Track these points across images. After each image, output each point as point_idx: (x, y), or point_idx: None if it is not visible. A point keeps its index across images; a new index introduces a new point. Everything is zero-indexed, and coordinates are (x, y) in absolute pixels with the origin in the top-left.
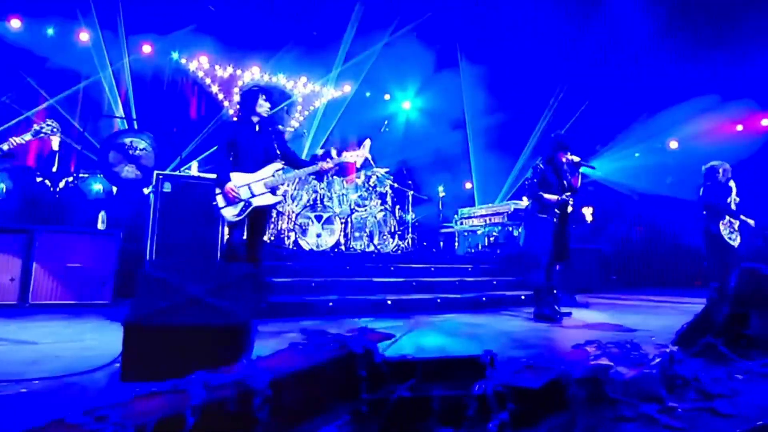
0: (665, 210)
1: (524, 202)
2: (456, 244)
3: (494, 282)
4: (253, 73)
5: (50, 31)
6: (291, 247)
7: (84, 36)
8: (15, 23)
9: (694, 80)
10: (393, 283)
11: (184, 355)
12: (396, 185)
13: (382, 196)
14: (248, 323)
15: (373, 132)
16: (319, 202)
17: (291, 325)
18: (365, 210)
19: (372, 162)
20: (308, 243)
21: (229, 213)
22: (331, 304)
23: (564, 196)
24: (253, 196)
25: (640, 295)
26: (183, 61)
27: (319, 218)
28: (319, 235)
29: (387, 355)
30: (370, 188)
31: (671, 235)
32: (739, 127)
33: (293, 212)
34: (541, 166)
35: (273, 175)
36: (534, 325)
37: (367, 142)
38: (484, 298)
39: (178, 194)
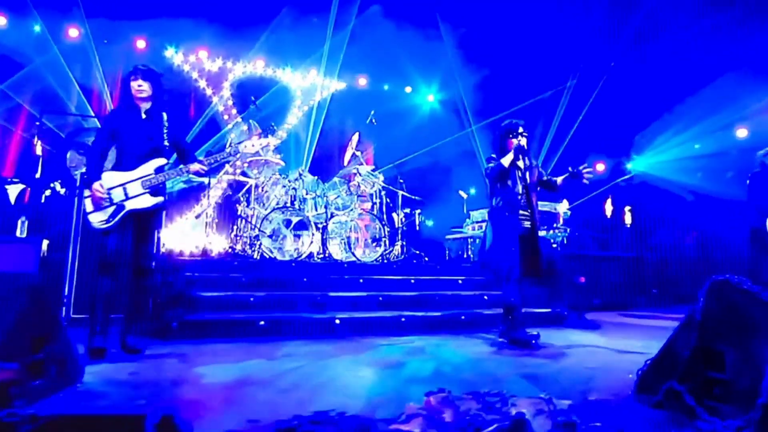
0: (725, 211)
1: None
2: (469, 252)
3: (485, 297)
4: (245, 66)
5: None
6: (256, 256)
7: (73, 32)
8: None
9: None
10: (354, 299)
11: None
12: (385, 185)
13: (370, 198)
14: None
15: (379, 128)
16: (290, 204)
17: (194, 348)
18: (346, 214)
19: (362, 159)
20: (275, 251)
21: (97, 219)
22: (262, 323)
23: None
24: (128, 198)
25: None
26: (168, 54)
27: (288, 223)
28: (285, 239)
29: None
30: (352, 189)
31: (731, 241)
32: None
33: (259, 216)
34: (495, 162)
35: (154, 173)
36: (493, 354)
37: (355, 137)
38: (463, 317)
39: None
